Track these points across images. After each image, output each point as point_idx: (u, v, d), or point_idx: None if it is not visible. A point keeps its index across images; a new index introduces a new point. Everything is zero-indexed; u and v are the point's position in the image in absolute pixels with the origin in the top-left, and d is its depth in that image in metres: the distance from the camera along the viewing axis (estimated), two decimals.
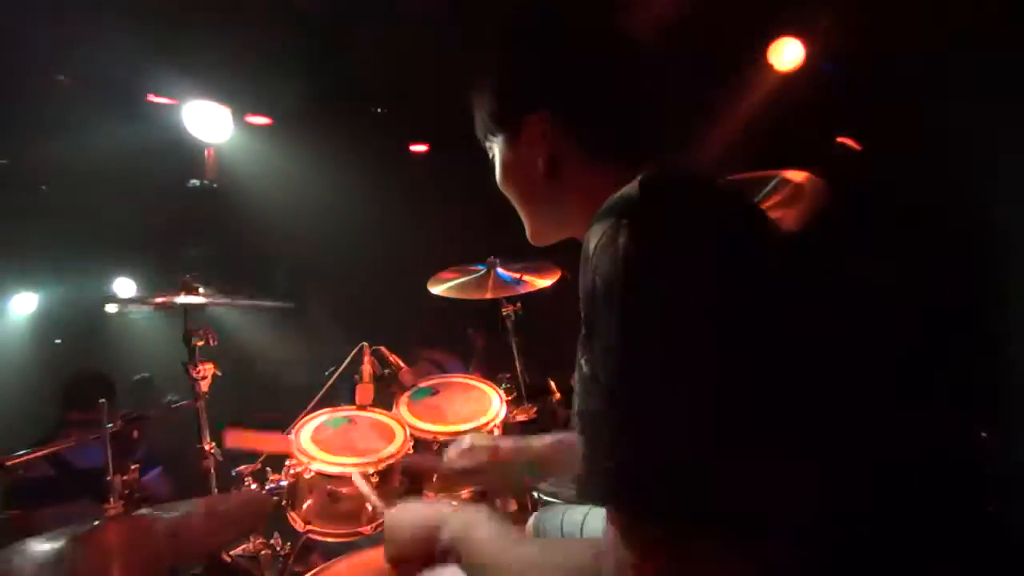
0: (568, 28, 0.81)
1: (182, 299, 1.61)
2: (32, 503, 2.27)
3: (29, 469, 2.24)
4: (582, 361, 0.71)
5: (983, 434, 1.88)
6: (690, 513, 0.55)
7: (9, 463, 1.37)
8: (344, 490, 1.69)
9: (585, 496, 0.61)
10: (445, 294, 2.19)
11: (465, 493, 1.94)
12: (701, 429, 0.56)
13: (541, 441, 1.23)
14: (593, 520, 1.20)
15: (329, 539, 1.71)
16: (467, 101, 0.90)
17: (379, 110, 4.03)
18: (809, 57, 2.90)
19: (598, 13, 0.82)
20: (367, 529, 1.70)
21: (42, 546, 1.10)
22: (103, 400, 1.26)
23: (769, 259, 0.67)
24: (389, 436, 1.85)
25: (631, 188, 0.66)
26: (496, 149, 0.89)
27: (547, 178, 0.81)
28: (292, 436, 1.77)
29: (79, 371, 2.82)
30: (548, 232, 0.91)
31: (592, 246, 0.64)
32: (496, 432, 1.97)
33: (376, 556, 1.50)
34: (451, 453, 1.32)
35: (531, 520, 1.37)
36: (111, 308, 4.84)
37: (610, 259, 0.60)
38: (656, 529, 0.56)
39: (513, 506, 2.16)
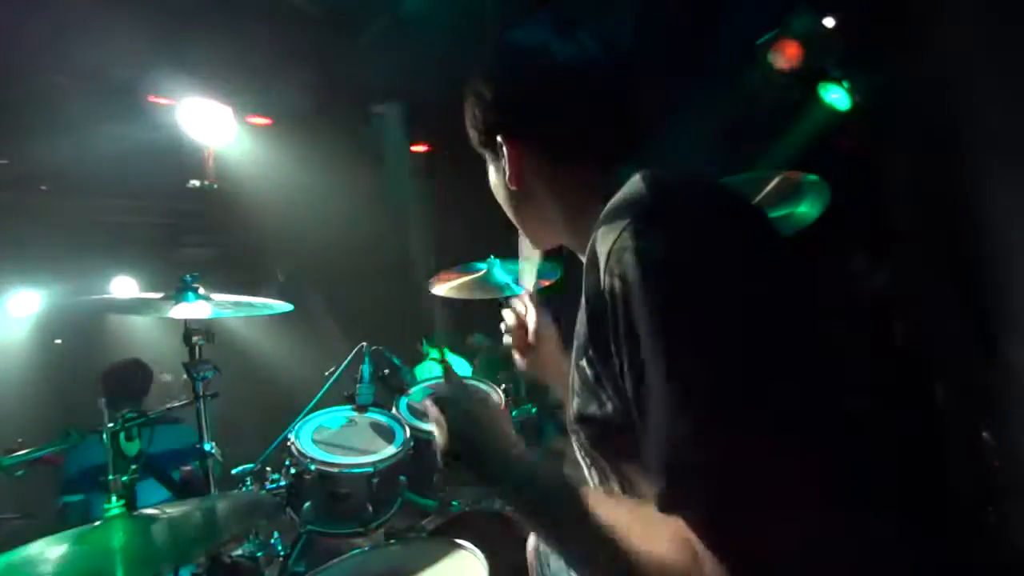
0: (516, 64, 0.84)
1: (180, 312, 1.60)
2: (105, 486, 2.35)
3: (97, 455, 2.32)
4: (582, 363, 0.71)
5: (983, 434, 1.89)
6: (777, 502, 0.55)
7: (9, 463, 1.37)
8: (344, 490, 1.69)
9: (672, 506, 0.59)
10: (446, 295, 2.19)
11: (465, 493, 1.94)
12: (764, 419, 0.56)
13: None
14: None
15: (329, 539, 1.71)
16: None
17: (379, 110, 4.03)
18: (808, 57, 2.90)
19: (542, 44, 0.82)
20: (367, 529, 1.70)
21: (46, 548, 1.10)
22: (101, 399, 1.26)
23: (779, 251, 0.68)
24: (389, 436, 1.85)
25: (635, 190, 0.67)
26: (488, 163, 0.92)
27: (540, 186, 0.84)
28: (292, 436, 1.78)
29: (116, 365, 2.86)
30: (542, 239, 0.95)
31: (606, 249, 0.64)
32: None
33: (376, 556, 1.50)
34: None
35: (532, 537, 1.36)
36: (121, 311, 4.85)
37: (633, 263, 0.61)
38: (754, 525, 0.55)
39: None
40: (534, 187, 0.85)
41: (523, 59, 0.83)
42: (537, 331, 1.18)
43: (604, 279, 0.64)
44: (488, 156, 0.90)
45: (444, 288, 2.20)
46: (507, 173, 0.84)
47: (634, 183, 0.70)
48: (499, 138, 0.83)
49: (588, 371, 0.70)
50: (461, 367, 3.58)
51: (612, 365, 0.65)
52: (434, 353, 3.75)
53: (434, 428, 0.85)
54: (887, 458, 0.67)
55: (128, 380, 2.77)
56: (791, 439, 0.56)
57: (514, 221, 0.95)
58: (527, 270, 1.19)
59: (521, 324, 1.20)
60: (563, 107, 0.81)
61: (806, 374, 0.60)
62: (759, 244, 0.68)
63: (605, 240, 0.65)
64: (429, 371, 3.50)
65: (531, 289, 1.21)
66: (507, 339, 1.24)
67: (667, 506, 0.59)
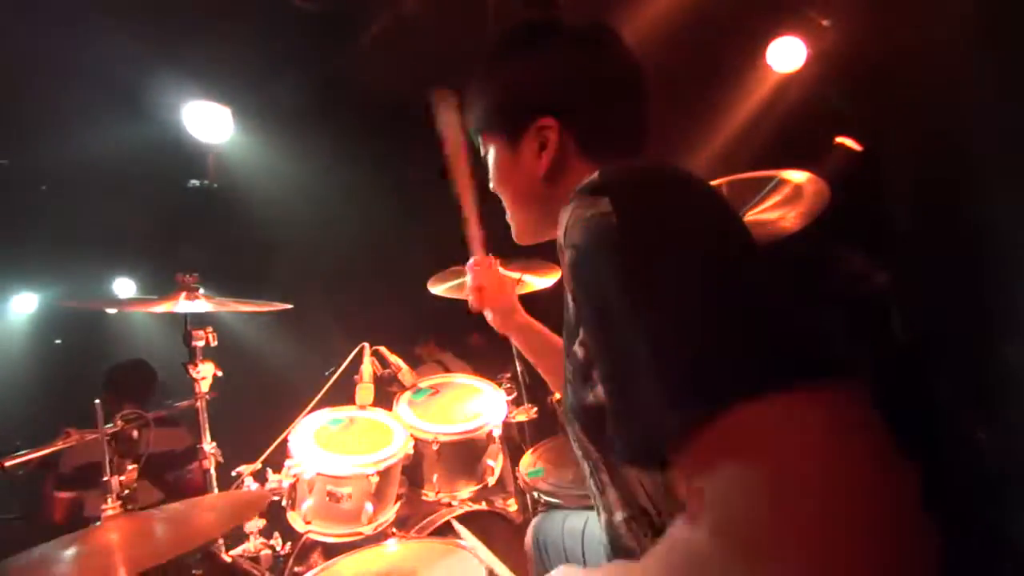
0: (576, 37, 0.84)
1: (180, 306, 1.61)
2: (85, 486, 2.39)
3: (92, 453, 2.35)
4: (575, 347, 0.71)
5: (983, 434, 1.89)
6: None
7: (8, 464, 1.37)
8: (344, 490, 1.69)
9: (638, 443, 0.56)
10: (445, 294, 2.19)
11: (464, 493, 1.94)
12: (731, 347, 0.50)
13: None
14: (593, 526, 1.20)
15: (329, 539, 1.71)
16: (465, 98, 0.92)
17: (379, 110, 4.03)
18: (810, 57, 2.90)
19: (601, 24, 0.85)
20: (367, 529, 1.70)
21: (49, 550, 1.10)
22: (97, 401, 1.26)
23: (732, 227, 0.66)
24: (389, 436, 1.85)
25: (591, 177, 0.67)
26: (492, 149, 0.91)
27: (548, 177, 0.84)
28: (292, 436, 1.78)
29: (121, 364, 2.89)
30: (537, 231, 0.94)
31: (562, 232, 0.65)
32: (496, 432, 1.97)
33: (376, 556, 1.50)
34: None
35: (530, 529, 1.37)
36: (111, 309, 4.85)
37: (587, 227, 0.60)
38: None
39: (515, 505, 2.17)
40: (557, 176, 0.84)
41: (580, 44, 0.83)
42: (491, 283, 1.31)
43: (566, 255, 0.64)
44: (501, 139, 0.88)
45: (444, 288, 2.20)
46: (534, 157, 0.83)
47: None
48: (541, 120, 0.82)
49: (579, 354, 0.70)
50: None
51: (584, 330, 0.66)
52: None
53: None
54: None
55: (131, 380, 2.78)
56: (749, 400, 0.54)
57: (512, 210, 0.93)
58: (475, 238, 1.31)
59: (478, 283, 1.32)
60: (610, 98, 0.82)
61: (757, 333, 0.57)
62: (710, 214, 0.66)
63: (564, 219, 0.66)
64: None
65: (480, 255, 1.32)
66: (471, 301, 1.34)
67: (620, 453, 0.58)
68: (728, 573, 0.45)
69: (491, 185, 0.95)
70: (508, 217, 0.96)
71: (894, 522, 0.46)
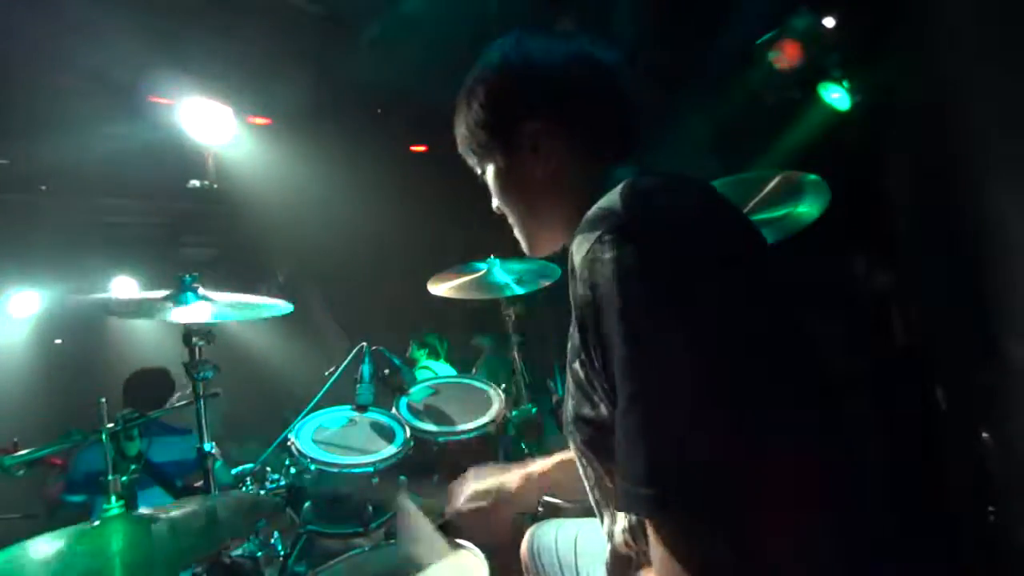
0: (551, 42, 0.85)
1: (179, 316, 1.60)
2: (97, 490, 2.36)
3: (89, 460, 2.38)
4: (576, 365, 0.72)
5: (983, 434, 1.89)
6: (733, 503, 0.55)
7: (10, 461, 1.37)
8: (344, 490, 1.69)
9: (631, 507, 0.61)
10: (446, 295, 2.19)
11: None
12: (728, 423, 0.57)
13: (542, 467, 1.19)
14: (585, 538, 1.21)
15: (329, 539, 1.71)
16: (456, 121, 0.91)
17: (379, 110, 4.03)
18: (808, 57, 2.90)
19: (577, 40, 0.86)
20: (367, 529, 1.70)
21: (44, 545, 1.10)
22: (101, 400, 1.26)
23: (759, 257, 0.68)
24: (389, 436, 1.85)
25: (612, 199, 0.68)
26: (489, 167, 0.90)
27: (547, 183, 0.84)
28: (292, 436, 1.78)
29: (141, 371, 2.88)
30: (548, 241, 0.93)
31: (580, 259, 0.66)
32: (495, 429, 1.97)
33: (376, 556, 1.50)
34: (455, 501, 1.25)
35: (526, 538, 1.36)
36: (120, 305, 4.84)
37: (605, 274, 0.62)
38: (710, 524, 0.56)
39: None
40: (557, 180, 0.84)
41: (567, 49, 0.84)
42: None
43: (579, 288, 0.65)
44: (497, 153, 0.88)
45: (444, 288, 2.20)
46: (531, 165, 0.84)
47: (613, 192, 0.70)
48: (537, 125, 0.82)
49: (580, 373, 0.70)
50: (444, 371, 3.58)
51: (597, 368, 0.66)
52: (423, 358, 3.76)
53: None
54: (885, 459, 0.68)
55: (150, 388, 2.77)
56: (776, 441, 0.57)
57: (521, 223, 0.92)
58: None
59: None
60: (592, 96, 0.82)
61: (786, 377, 0.61)
62: (735, 252, 0.68)
63: (580, 249, 0.66)
64: (428, 372, 3.50)
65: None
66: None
67: (628, 506, 0.61)
68: None
69: (494, 204, 0.94)
70: (517, 233, 0.95)
71: None
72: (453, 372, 3.56)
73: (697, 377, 0.57)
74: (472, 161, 0.94)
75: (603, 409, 0.68)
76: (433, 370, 3.59)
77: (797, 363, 0.64)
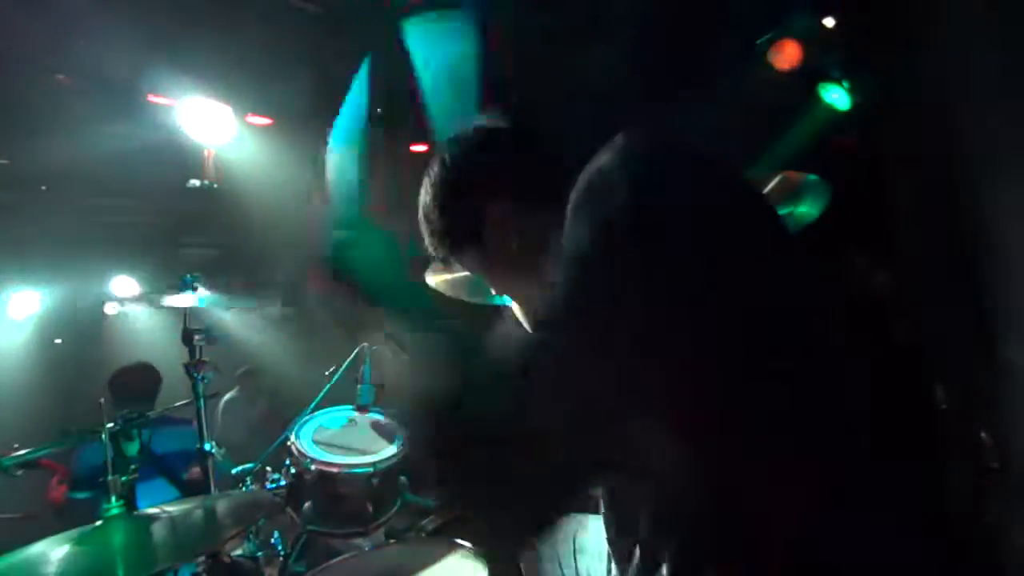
0: (492, 131, 0.91)
1: (179, 302, 1.61)
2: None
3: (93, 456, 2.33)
4: None
5: (983, 434, 1.88)
6: None
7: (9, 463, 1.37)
8: (344, 490, 1.69)
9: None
10: (437, 286, 2.17)
11: None
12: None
13: None
14: (584, 535, 1.21)
15: (329, 539, 1.71)
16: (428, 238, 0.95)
17: (379, 110, 4.02)
18: (808, 57, 2.90)
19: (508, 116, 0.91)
20: (367, 529, 1.70)
21: (46, 548, 1.10)
22: (101, 400, 1.26)
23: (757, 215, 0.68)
24: (389, 436, 1.85)
25: (606, 154, 0.69)
26: (469, 258, 0.93)
27: (525, 250, 0.86)
28: (292, 436, 1.77)
29: (126, 368, 2.88)
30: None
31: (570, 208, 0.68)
32: None
33: (376, 556, 1.50)
34: None
35: None
36: (111, 309, 4.85)
37: (571, 212, 0.64)
38: None
39: None
40: (531, 244, 0.85)
41: (503, 132, 0.90)
42: None
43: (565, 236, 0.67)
44: (471, 244, 0.90)
45: (436, 279, 2.18)
46: (506, 241, 0.87)
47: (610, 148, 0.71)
48: (487, 212, 0.86)
49: None
50: None
51: None
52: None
53: None
54: (885, 457, 0.67)
55: (135, 384, 2.77)
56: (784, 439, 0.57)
57: (522, 296, 0.93)
58: None
59: None
60: (549, 166, 0.85)
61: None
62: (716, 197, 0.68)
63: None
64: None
65: None
66: None
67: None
68: None
69: (493, 288, 0.98)
70: (518, 312, 0.96)
71: None
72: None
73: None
74: (453, 264, 0.97)
75: None
76: None
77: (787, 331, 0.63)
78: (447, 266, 0.98)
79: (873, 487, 0.63)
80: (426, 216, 0.94)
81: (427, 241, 0.96)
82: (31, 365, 4.26)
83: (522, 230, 0.85)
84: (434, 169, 0.93)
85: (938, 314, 2.28)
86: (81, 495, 2.43)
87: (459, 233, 0.91)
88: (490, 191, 0.87)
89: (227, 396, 4.76)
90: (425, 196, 0.94)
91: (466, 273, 2.21)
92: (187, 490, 2.43)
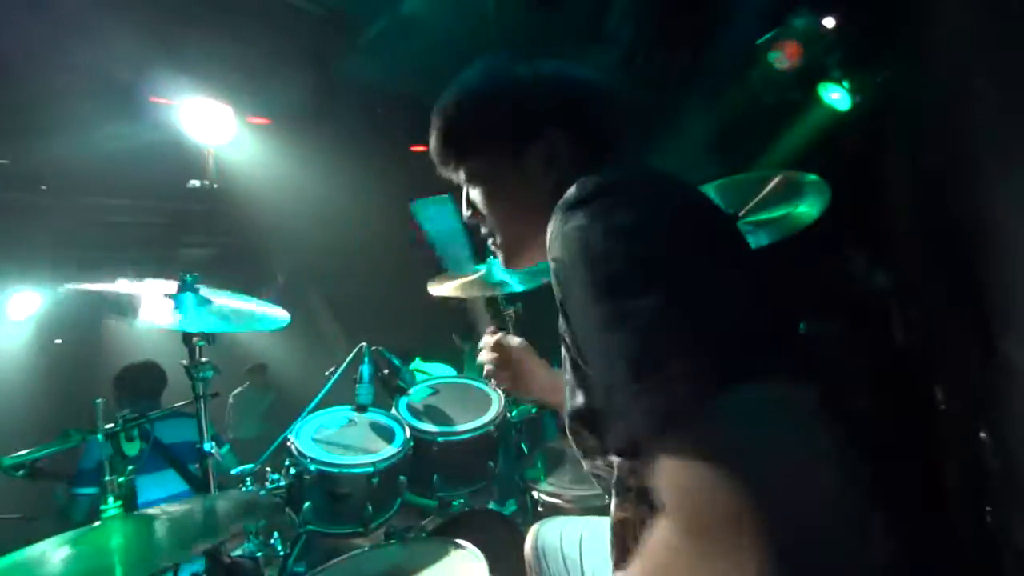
0: (524, 59, 0.88)
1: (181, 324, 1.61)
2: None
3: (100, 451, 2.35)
4: (564, 353, 0.73)
5: (983, 434, 1.89)
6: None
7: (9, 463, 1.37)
8: (344, 490, 1.69)
9: (618, 440, 0.60)
10: (446, 294, 2.19)
11: (465, 493, 1.94)
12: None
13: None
14: (591, 537, 1.20)
15: (329, 539, 1.71)
16: (444, 122, 0.90)
17: (379, 110, 4.03)
18: (808, 57, 2.90)
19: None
20: (367, 530, 1.70)
21: (46, 549, 1.10)
22: (100, 400, 1.26)
23: (721, 239, 0.69)
24: (389, 436, 1.85)
25: (579, 182, 0.70)
26: (482, 171, 0.90)
27: (553, 191, 0.80)
28: (292, 436, 1.78)
29: (133, 365, 2.88)
30: (529, 251, 0.92)
31: (547, 238, 0.69)
32: (495, 429, 1.97)
33: (376, 556, 1.50)
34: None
35: (530, 535, 1.36)
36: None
37: (561, 243, 0.64)
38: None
39: (514, 505, 2.16)
40: (561, 187, 0.84)
41: (516, 71, 0.86)
42: (511, 355, 1.26)
43: (550, 267, 0.68)
44: (499, 159, 0.87)
45: (443, 288, 2.20)
46: (502, 182, 0.86)
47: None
48: (549, 132, 0.83)
49: (567, 360, 0.72)
50: (444, 372, 3.55)
51: (570, 343, 0.70)
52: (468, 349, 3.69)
53: None
54: (886, 458, 0.68)
55: (142, 381, 2.78)
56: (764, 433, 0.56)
57: (507, 230, 0.92)
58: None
59: (495, 352, 1.27)
60: (558, 111, 0.84)
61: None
62: (696, 229, 0.67)
63: (548, 230, 0.69)
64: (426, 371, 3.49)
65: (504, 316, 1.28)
66: (486, 368, 1.29)
67: (613, 442, 0.62)
68: (698, 566, 0.51)
69: (465, 212, 0.95)
70: (495, 243, 0.94)
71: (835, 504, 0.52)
72: (453, 372, 3.55)
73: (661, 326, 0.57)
74: (449, 166, 0.93)
75: (588, 393, 0.70)
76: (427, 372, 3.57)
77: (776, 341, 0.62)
78: (443, 168, 0.94)
79: (873, 488, 0.64)
80: (458, 104, 0.88)
81: (439, 133, 0.90)
82: (31, 365, 4.26)
83: (564, 168, 0.82)
84: (470, 77, 0.88)
85: (938, 314, 2.28)
86: (87, 491, 2.43)
87: (506, 132, 0.85)
88: (561, 119, 0.83)
89: (236, 391, 4.78)
90: (466, 86, 0.88)
91: (471, 275, 2.19)
92: (195, 481, 2.42)
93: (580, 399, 0.72)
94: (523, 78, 0.85)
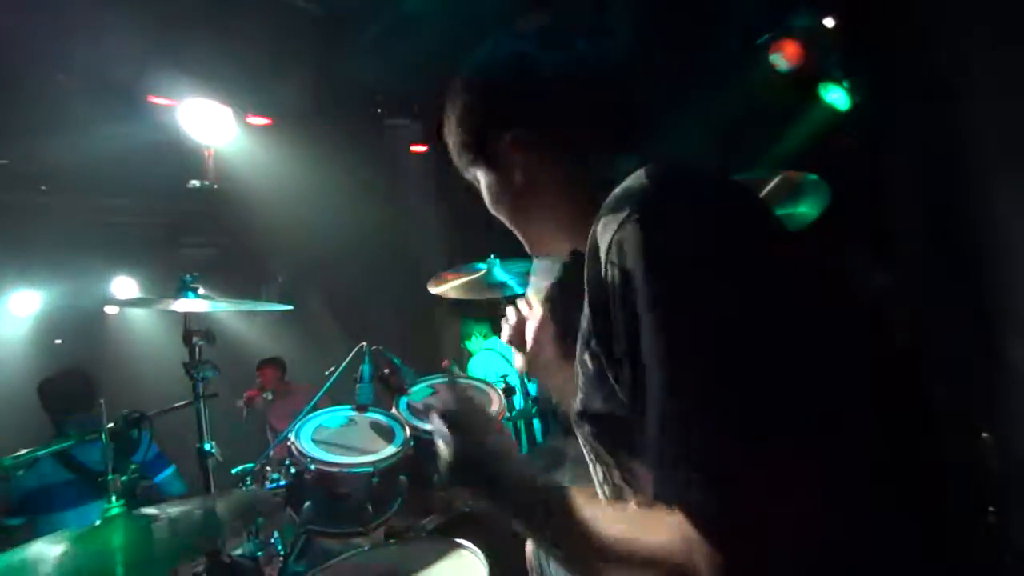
0: (520, 60, 0.85)
1: (181, 305, 1.61)
2: (48, 508, 2.24)
3: (41, 477, 2.24)
4: (585, 357, 0.71)
5: (983, 434, 1.88)
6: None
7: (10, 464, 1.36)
8: (344, 490, 1.69)
9: (666, 494, 0.59)
10: (446, 295, 2.19)
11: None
12: (760, 414, 0.56)
13: None
14: None
15: (329, 539, 1.71)
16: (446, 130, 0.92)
17: (379, 110, 4.03)
18: (808, 57, 2.90)
19: (542, 44, 0.86)
20: (367, 529, 1.70)
21: (45, 548, 1.10)
22: (101, 400, 1.26)
23: (781, 246, 0.68)
24: (389, 436, 1.85)
25: (638, 181, 0.67)
26: (480, 176, 0.91)
27: (527, 188, 0.84)
28: (292, 436, 1.78)
29: (63, 373, 2.73)
30: (544, 241, 0.93)
31: (607, 240, 0.65)
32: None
33: (376, 556, 1.50)
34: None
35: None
36: (111, 309, 4.85)
37: (634, 254, 0.61)
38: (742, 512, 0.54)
39: None
40: (543, 184, 0.84)
41: (528, 57, 0.84)
42: (538, 333, 1.16)
43: (605, 269, 0.64)
44: (481, 166, 0.89)
45: (444, 288, 2.20)
46: (513, 174, 0.84)
47: (637, 175, 0.70)
48: (507, 137, 0.83)
49: (591, 364, 0.70)
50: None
51: (614, 356, 0.65)
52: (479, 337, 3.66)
53: (439, 442, 0.85)
54: (887, 459, 0.67)
55: (68, 391, 2.62)
56: (789, 437, 0.56)
57: (516, 227, 0.93)
58: (540, 271, 1.19)
59: (521, 323, 1.19)
60: (571, 98, 0.82)
61: (804, 372, 0.60)
62: (761, 239, 0.68)
63: (606, 231, 0.65)
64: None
65: (538, 290, 1.19)
66: (505, 336, 1.22)
67: (663, 492, 0.59)
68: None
69: (491, 209, 0.95)
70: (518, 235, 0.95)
71: None
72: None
73: (740, 356, 0.57)
74: (462, 167, 0.94)
75: (614, 401, 0.67)
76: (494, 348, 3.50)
77: (818, 362, 0.63)
78: (459, 157, 0.94)
79: (872, 488, 0.63)
80: (475, 91, 0.89)
81: (447, 137, 0.93)
82: (31, 365, 4.26)
83: (532, 167, 0.83)
84: (468, 67, 0.89)
85: (938, 314, 2.28)
86: (14, 522, 2.26)
87: (470, 148, 0.88)
88: (512, 118, 0.83)
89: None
90: (452, 95, 0.90)
91: (473, 275, 2.18)
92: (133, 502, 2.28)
93: (600, 404, 0.71)
94: (541, 63, 0.84)
